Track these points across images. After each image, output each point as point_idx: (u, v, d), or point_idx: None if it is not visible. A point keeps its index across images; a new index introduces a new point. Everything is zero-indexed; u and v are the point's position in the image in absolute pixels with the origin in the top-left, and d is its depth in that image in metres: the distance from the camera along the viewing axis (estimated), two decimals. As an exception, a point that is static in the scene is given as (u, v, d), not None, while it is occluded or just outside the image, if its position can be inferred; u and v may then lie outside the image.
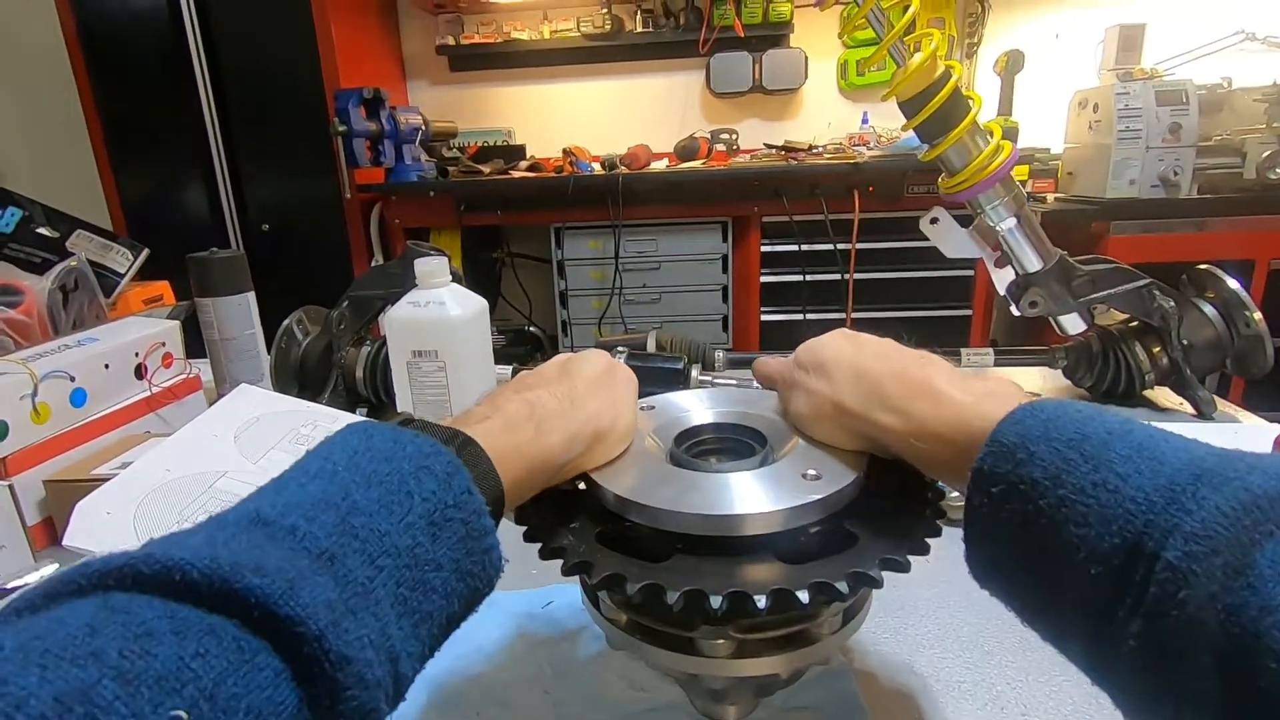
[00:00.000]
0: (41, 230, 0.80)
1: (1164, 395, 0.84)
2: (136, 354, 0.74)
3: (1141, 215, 1.97)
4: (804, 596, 0.26)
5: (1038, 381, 0.92)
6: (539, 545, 0.31)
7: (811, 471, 0.31)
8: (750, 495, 0.30)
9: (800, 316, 2.28)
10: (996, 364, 0.87)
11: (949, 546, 0.56)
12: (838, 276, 2.24)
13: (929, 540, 0.30)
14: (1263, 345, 0.77)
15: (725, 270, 2.33)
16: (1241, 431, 0.75)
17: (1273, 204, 1.86)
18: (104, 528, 0.55)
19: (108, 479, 0.59)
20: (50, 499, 0.60)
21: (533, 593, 0.51)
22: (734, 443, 0.37)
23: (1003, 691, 0.40)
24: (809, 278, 2.26)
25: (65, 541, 0.53)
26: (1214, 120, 2.06)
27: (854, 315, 2.26)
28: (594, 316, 2.36)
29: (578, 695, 0.41)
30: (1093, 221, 2.01)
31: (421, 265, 0.68)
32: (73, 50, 2.37)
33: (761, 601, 0.26)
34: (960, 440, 0.28)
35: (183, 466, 0.63)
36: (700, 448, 0.37)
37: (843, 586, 0.27)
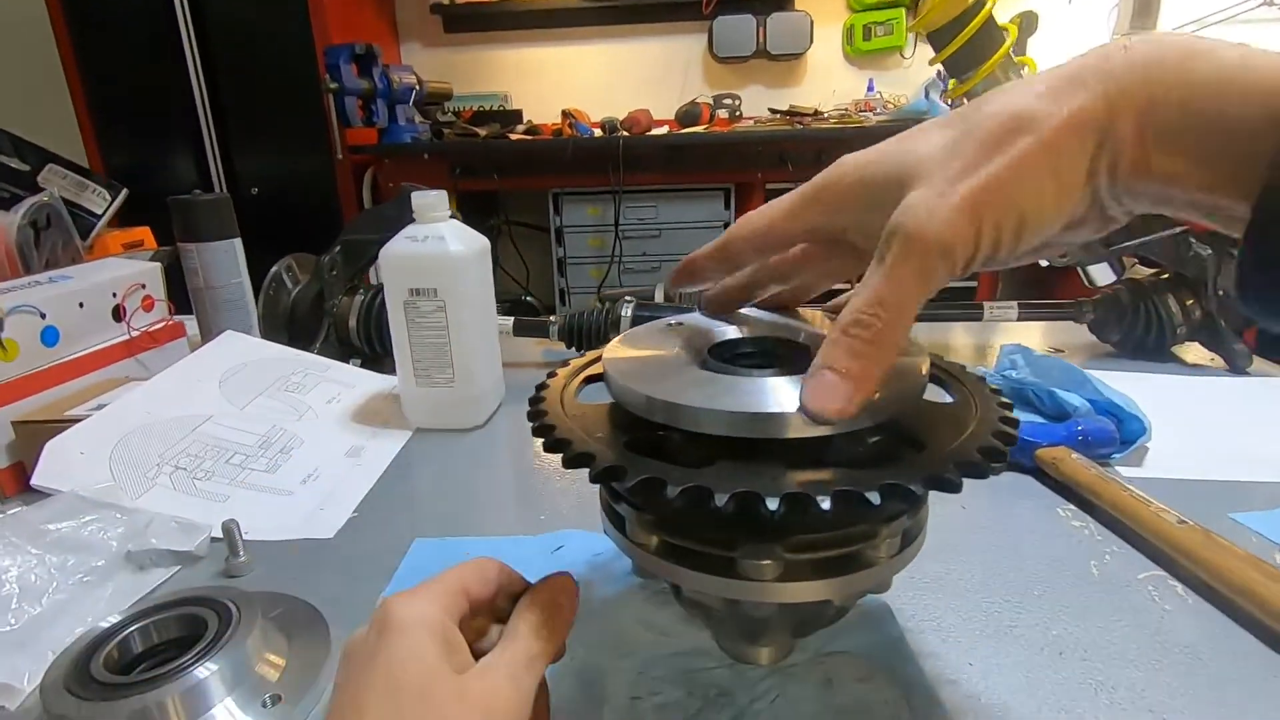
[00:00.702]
0: (9, 162, 0.75)
1: (1192, 350, 0.81)
2: (114, 294, 0.69)
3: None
4: (874, 500, 0.22)
5: (1061, 337, 0.88)
6: (561, 455, 0.27)
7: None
8: (797, 395, 0.26)
9: (803, 287, 2.24)
10: (1020, 319, 0.83)
11: (986, 491, 0.53)
12: (842, 246, 2.19)
13: (1005, 449, 0.26)
14: (1302, 295, 0.73)
15: (727, 239, 2.28)
16: (1273, 386, 0.72)
17: (1288, 172, 1.82)
18: (76, 467, 0.51)
19: (82, 420, 0.55)
20: (19, 441, 0.56)
21: (541, 537, 0.47)
22: (775, 354, 0.33)
23: (1059, 635, 0.37)
24: (812, 247, 2.22)
25: (34, 481, 0.49)
26: (1229, 87, 2.01)
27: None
28: (593, 285, 2.32)
29: (596, 639, 0.37)
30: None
31: (419, 199, 0.63)
32: (52, 7, 2.28)
33: (826, 504, 0.22)
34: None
35: (164, 410, 0.59)
36: (737, 358, 0.33)
37: (917, 488, 0.23)
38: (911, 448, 0.27)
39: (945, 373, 0.33)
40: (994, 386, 0.31)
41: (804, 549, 0.27)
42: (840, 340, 0.24)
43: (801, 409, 0.24)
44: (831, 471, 0.24)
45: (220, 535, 0.45)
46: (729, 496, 0.23)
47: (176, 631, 0.36)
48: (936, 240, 0.22)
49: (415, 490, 0.56)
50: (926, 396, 0.30)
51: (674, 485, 0.23)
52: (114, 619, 0.35)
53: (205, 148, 2.34)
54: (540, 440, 0.28)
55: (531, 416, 0.30)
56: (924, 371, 0.28)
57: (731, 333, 0.34)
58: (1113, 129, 0.21)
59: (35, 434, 0.54)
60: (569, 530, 0.48)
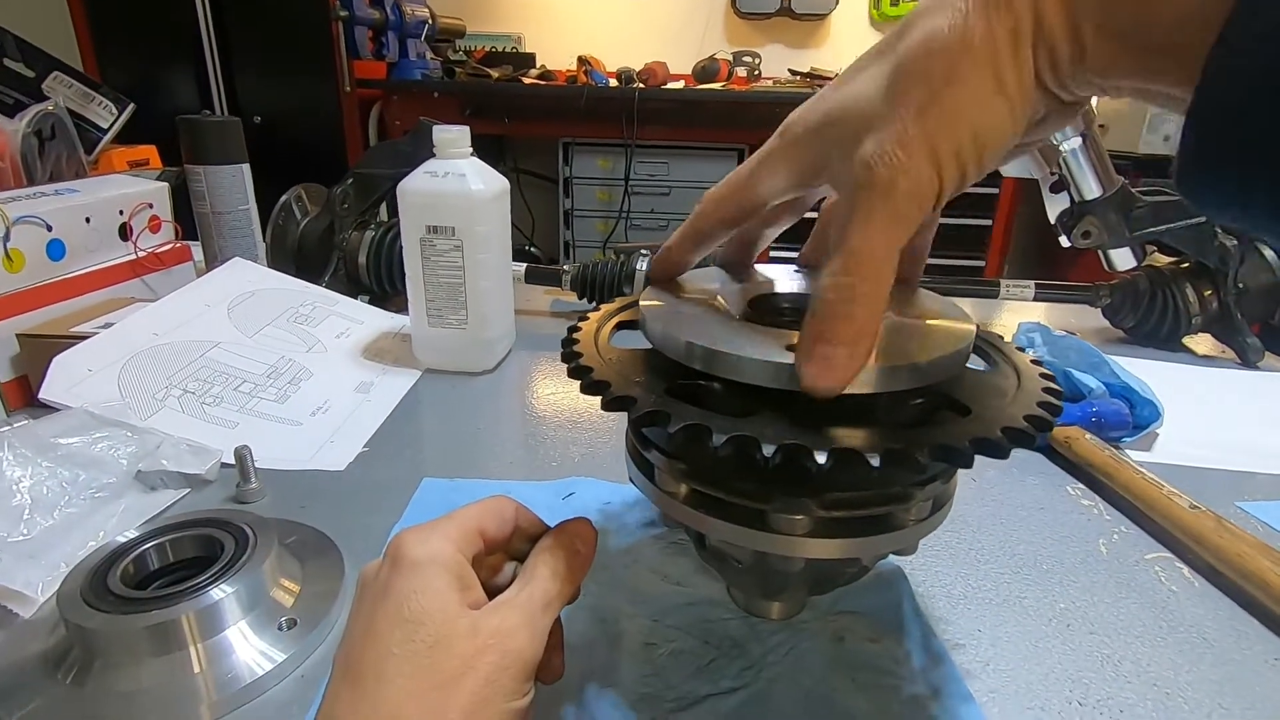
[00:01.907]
0: (14, 66, 0.72)
1: (1203, 342, 0.81)
2: (121, 212, 0.67)
3: (1173, 173, 1.90)
4: (923, 460, 0.22)
5: (1072, 321, 0.88)
6: (600, 397, 0.26)
7: (912, 338, 0.27)
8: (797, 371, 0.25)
9: (810, 255, 2.22)
10: (1037, 298, 0.83)
11: (997, 466, 0.53)
12: (852, 216, 2.17)
13: (1051, 419, 0.26)
14: (1323, 293, 0.73)
15: (737, 201, 2.25)
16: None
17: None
18: (84, 384, 0.50)
19: (89, 337, 0.54)
20: (24, 355, 0.55)
21: (552, 484, 0.47)
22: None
23: (1067, 608, 0.37)
24: (823, 215, 2.19)
25: (42, 395, 0.49)
26: (1258, 79, 1.97)
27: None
28: (598, 240, 2.29)
29: (610, 588, 0.37)
30: (1129, 180, 1.94)
31: (441, 133, 0.61)
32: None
33: (876, 461, 0.22)
34: None
35: (172, 333, 0.58)
36: (778, 314, 0.32)
37: (966, 451, 0.22)
38: (953, 412, 0.27)
39: (986, 343, 0.33)
40: (1034, 357, 0.31)
41: (838, 506, 0.26)
42: (824, 309, 0.23)
43: (804, 387, 0.23)
44: (876, 430, 0.24)
45: (231, 461, 0.45)
46: (777, 448, 0.22)
47: (192, 551, 0.35)
48: (900, 188, 0.21)
49: (424, 429, 0.56)
50: (970, 366, 0.29)
51: (720, 434, 0.23)
52: (130, 534, 0.35)
53: (208, 70, 2.26)
54: (577, 382, 0.28)
55: (567, 358, 0.30)
56: (969, 338, 0.28)
57: (770, 287, 0.34)
58: (1043, 27, 0.20)
59: (40, 348, 0.53)
60: (579, 478, 0.48)
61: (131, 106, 0.78)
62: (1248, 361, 0.75)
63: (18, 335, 0.55)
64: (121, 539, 0.35)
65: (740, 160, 2.19)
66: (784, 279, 0.34)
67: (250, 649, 0.32)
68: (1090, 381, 0.57)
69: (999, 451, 0.23)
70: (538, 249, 2.59)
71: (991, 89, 0.21)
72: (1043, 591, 0.39)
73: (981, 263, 2.20)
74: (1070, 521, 0.45)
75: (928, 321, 0.29)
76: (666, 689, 0.31)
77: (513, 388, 0.64)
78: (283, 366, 0.60)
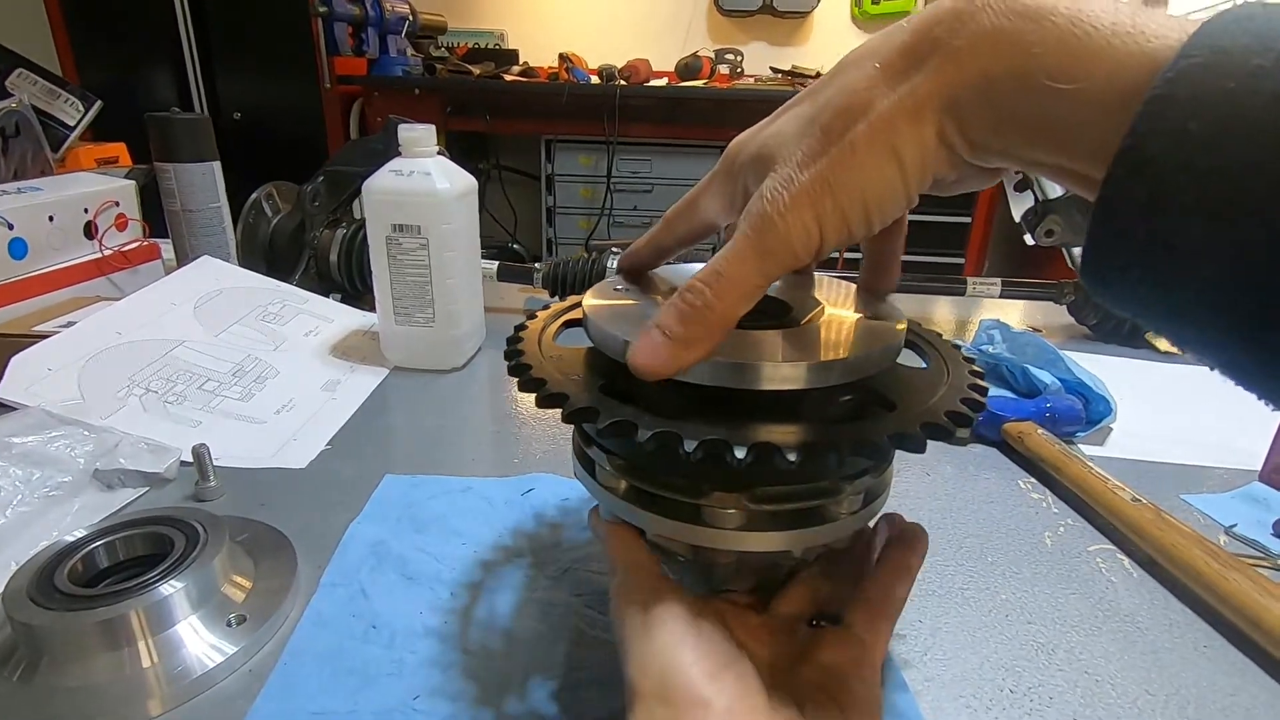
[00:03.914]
0: (-24, 63, 0.72)
1: (1166, 339, 0.82)
2: (86, 210, 0.67)
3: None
4: (841, 455, 0.23)
5: (1039, 318, 0.89)
6: (534, 395, 0.27)
7: (843, 335, 0.28)
8: (774, 349, 0.26)
9: (792, 253, 2.23)
10: (1003, 295, 0.84)
11: (952, 460, 0.54)
12: (833, 214, 2.18)
13: (975, 414, 0.26)
14: None
15: (719, 199, 2.26)
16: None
17: None
18: (43, 383, 0.50)
19: (49, 336, 0.54)
20: (-15, 354, 0.54)
21: (513, 480, 0.48)
22: (754, 311, 0.33)
23: (1007, 599, 0.38)
24: (804, 213, 2.20)
25: (-1, 393, 0.48)
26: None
27: (846, 255, 2.21)
28: (581, 236, 2.29)
29: (561, 583, 0.38)
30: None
31: (406, 131, 0.61)
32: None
33: (793, 456, 0.22)
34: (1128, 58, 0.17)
35: (136, 331, 0.58)
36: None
37: (884, 446, 0.23)
38: (883, 408, 0.27)
39: (922, 339, 0.34)
40: (968, 355, 0.32)
41: (768, 500, 0.27)
42: (674, 303, 0.24)
43: (626, 359, 0.24)
44: (802, 425, 0.24)
45: (190, 459, 0.45)
46: (698, 443, 0.23)
47: (143, 549, 0.36)
48: (776, 229, 0.22)
49: (390, 427, 0.56)
50: (904, 362, 0.30)
51: (645, 429, 0.24)
52: (79, 534, 0.35)
53: (186, 67, 2.24)
54: (516, 379, 0.28)
55: (508, 355, 0.30)
56: (899, 335, 0.28)
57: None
58: (954, 106, 0.20)
59: (0, 347, 0.53)
60: (540, 474, 0.48)
61: (99, 104, 0.78)
62: (1206, 357, 0.77)
63: (-22, 334, 0.54)
64: (71, 538, 0.35)
65: (722, 158, 2.20)
66: None
67: (201, 643, 0.33)
68: (1045, 377, 0.58)
69: (915, 446, 0.24)
70: (521, 246, 2.58)
71: (885, 156, 0.21)
72: (986, 583, 0.40)
73: (961, 260, 2.22)
74: (1019, 514, 0.46)
75: (859, 320, 0.30)
76: (613, 680, 0.32)
77: (481, 385, 0.65)
78: (248, 365, 0.60)
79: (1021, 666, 0.34)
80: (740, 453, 0.23)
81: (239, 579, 0.36)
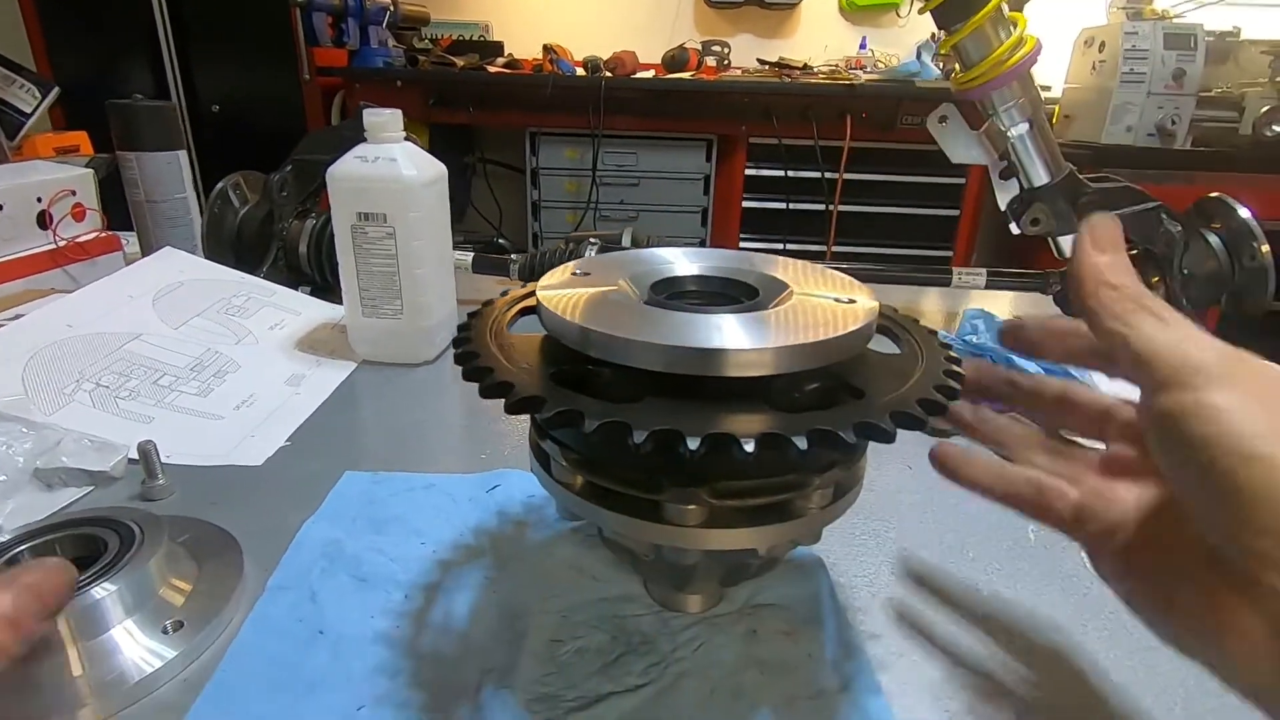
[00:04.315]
0: (-77, 46, 0.69)
1: (1153, 328, 0.81)
2: (39, 199, 0.64)
3: (1134, 164, 1.92)
4: (801, 445, 0.21)
5: (1025, 307, 0.88)
6: (478, 384, 0.25)
7: (810, 318, 0.26)
8: (736, 334, 0.24)
9: (781, 247, 2.22)
10: (988, 286, 0.83)
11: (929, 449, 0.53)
12: (821, 207, 2.17)
13: (945, 402, 0.25)
14: (1265, 279, 0.73)
15: (707, 192, 2.24)
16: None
17: (1267, 162, 1.83)
18: (-15, 378, 0.48)
19: (-4, 329, 0.51)
20: (-72, 348, 0.52)
21: (477, 476, 0.46)
22: (720, 294, 0.31)
23: (989, 598, 0.37)
24: (792, 206, 2.19)
25: (-64, 389, 0.46)
26: (1218, 71, 2.00)
27: (834, 249, 2.20)
28: (567, 230, 2.26)
29: (522, 582, 0.36)
30: (1084, 169, 1.96)
31: (371, 116, 0.59)
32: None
33: (749, 446, 0.21)
34: None
35: (89, 324, 0.56)
36: (680, 296, 0.31)
37: (848, 436, 0.22)
38: (851, 395, 0.26)
39: (897, 325, 0.32)
40: (945, 341, 0.30)
41: (731, 495, 0.25)
42: None
43: None
44: (763, 414, 0.23)
45: (137, 457, 0.43)
46: (647, 434, 0.21)
47: (73, 551, 0.33)
48: None
49: (354, 422, 0.54)
50: (876, 348, 0.29)
51: (592, 419, 0.22)
52: (4, 538, 0.33)
53: (163, 59, 2.20)
54: (461, 369, 0.27)
55: (456, 343, 0.28)
56: (870, 319, 0.27)
57: (678, 270, 0.32)
58: None
59: (-56, 341, 0.51)
60: (506, 470, 0.46)
61: (56, 90, 0.75)
62: (1192, 348, 0.76)
63: (-81, 327, 0.52)
64: (-3, 540, 0.33)
65: (709, 151, 2.18)
66: (684, 261, 0.33)
67: (137, 649, 0.31)
68: (1030, 367, 0.57)
69: (882, 436, 0.22)
70: (506, 240, 2.55)
71: None
72: (966, 580, 0.38)
73: (949, 253, 2.21)
74: (1001, 510, 0.45)
75: (828, 303, 0.28)
76: (567, 688, 0.30)
77: (450, 379, 0.63)
78: (208, 359, 0.58)
79: (1002, 667, 0.32)
80: (694, 444, 0.21)
81: (178, 582, 0.34)
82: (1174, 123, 1.88)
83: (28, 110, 0.75)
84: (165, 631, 0.32)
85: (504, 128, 2.32)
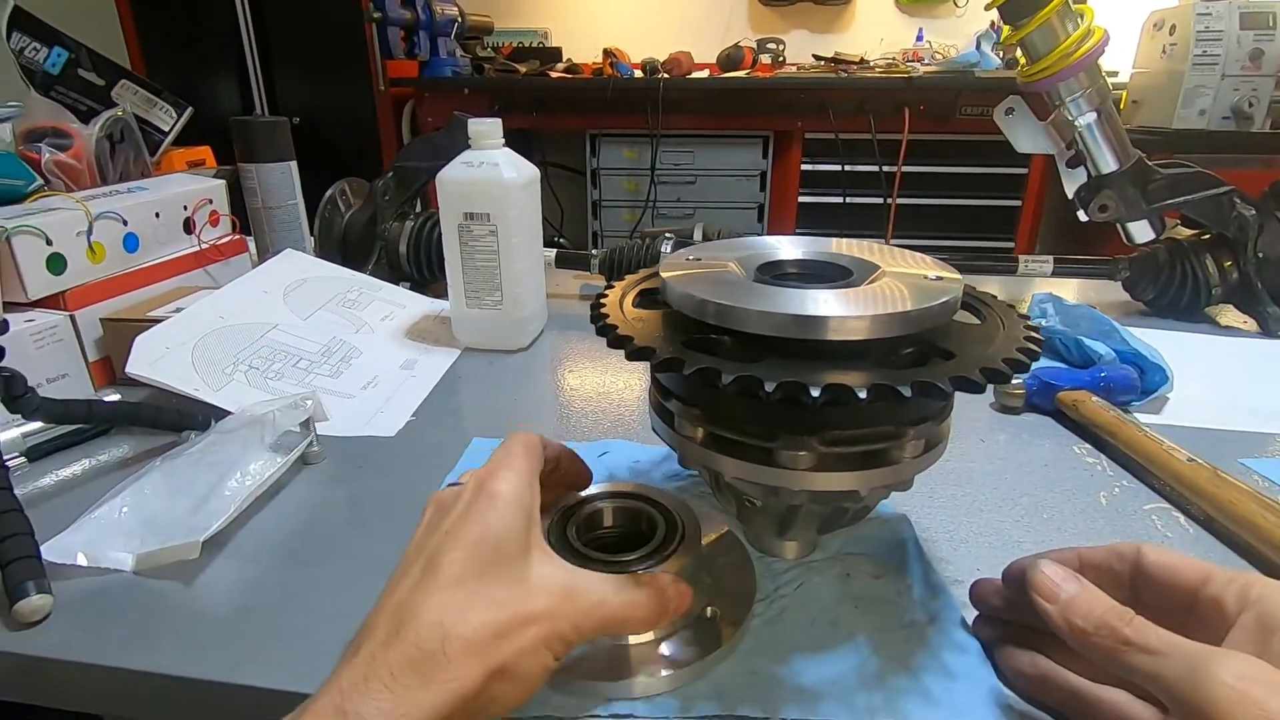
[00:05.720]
0: (87, 75, 0.78)
1: (1227, 313, 0.81)
2: (185, 207, 0.73)
3: (1208, 149, 1.87)
4: (906, 393, 0.25)
5: (1092, 295, 0.89)
6: (624, 349, 0.30)
7: (903, 292, 0.30)
8: (841, 304, 0.29)
9: (836, 240, 2.23)
10: (1055, 274, 0.84)
11: (1007, 429, 0.56)
12: (879, 200, 2.17)
13: (1028, 361, 0.29)
14: (1344, 261, 0.73)
15: (763, 188, 2.26)
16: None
17: (1352, 142, 1.75)
18: (163, 361, 0.55)
19: (163, 320, 0.59)
20: (107, 337, 0.61)
21: (588, 445, 0.51)
22: (817, 275, 0.35)
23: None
24: (849, 200, 2.19)
25: (128, 369, 0.54)
26: (1299, 50, 1.92)
27: (892, 242, 2.20)
28: (626, 229, 2.33)
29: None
30: (1154, 154, 1.91)
31: (476, 125, 0.65)
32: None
33: (863, 394, 0.25)
34: None
35: (235, 316, 0.64)
36: (783, 276, 0.35)
37: (945, 386, 0.26)
38: (942, 358, 0.30)
39: (978, 300, 0.36)
40: (1023, 312, 0.34)
41: (837, 444, 0.30)
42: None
43: None
44: (869, 372, 0.27)
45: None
46: (776, 384, 0.26)
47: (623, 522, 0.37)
48: None
49: (466, 401, 0.61)
50: (961, 319, 0.33)
51: (728, 374, 0.27)
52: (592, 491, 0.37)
53: (249, 74, 2.35)
54: (605, 339, 0.32)
55: (594, 318, 0.34)
56: (956, 291, 0.31)
57: (779, 254, 0.37)
58: None
59: (122, 331, 0.59)
60: (611, 439, 0.52)
61: (190, 110, 0.84)
62: (1269, 330, 0.76)
63: (101, 320, 0.60)
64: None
65: (765, 148, 2.21)
66: (786, 247, 0.38)
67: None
68: (1100, 348, 0.59)
69: (974, 387, 0.26)
70: (566, 240, 2.63)
71: None
72: (1041, 536, 0.41)
73: (1011, 244, 2.18)
74: (1074, 476, 0.48)
75: (918, 279, 0.32)
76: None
77: (545, 364, 0.68)
78: (334, 346, 0.65)
79: (1077, 608, 0.36)
80: (815, 392, 0.25)
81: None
82: (1251, 105, 1.82)
83: (166, 129, 0.84)
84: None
85: (565, 131, 2.39)
